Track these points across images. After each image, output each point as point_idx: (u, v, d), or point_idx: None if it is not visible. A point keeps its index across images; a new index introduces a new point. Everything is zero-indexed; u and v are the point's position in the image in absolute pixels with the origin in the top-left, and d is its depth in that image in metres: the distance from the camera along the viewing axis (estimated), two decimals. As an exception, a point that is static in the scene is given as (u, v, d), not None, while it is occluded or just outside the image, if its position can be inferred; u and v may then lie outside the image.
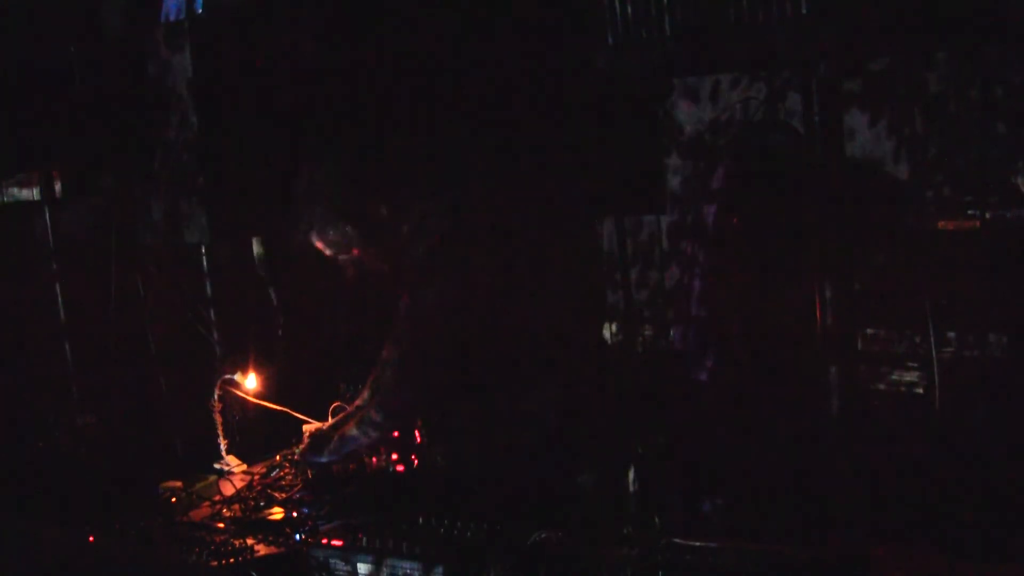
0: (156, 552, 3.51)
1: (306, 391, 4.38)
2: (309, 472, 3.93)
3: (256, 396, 4.23)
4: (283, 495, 3.88)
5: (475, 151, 4.11)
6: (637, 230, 4.73)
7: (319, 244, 3.95)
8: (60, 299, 5.21)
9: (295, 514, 3.67)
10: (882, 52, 3.88)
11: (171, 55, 4.48)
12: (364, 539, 3.34)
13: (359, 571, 3.29)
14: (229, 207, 4.54)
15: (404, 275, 3.92)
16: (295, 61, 4.57)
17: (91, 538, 3.52)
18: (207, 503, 3.90)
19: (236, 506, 3.84)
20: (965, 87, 3.85)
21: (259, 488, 3.97)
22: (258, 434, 4.35)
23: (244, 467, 4.18)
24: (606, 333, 4.77)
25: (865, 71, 3.98)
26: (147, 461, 4.57)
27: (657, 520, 3.21)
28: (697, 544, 3.07)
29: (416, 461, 3.88)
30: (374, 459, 3.90)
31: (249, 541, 3.49)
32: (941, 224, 3.93)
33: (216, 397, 4.17)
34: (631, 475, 3.34)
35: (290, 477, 4.01)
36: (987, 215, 3.82)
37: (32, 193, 5.19)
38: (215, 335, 4.84)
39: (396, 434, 3.91)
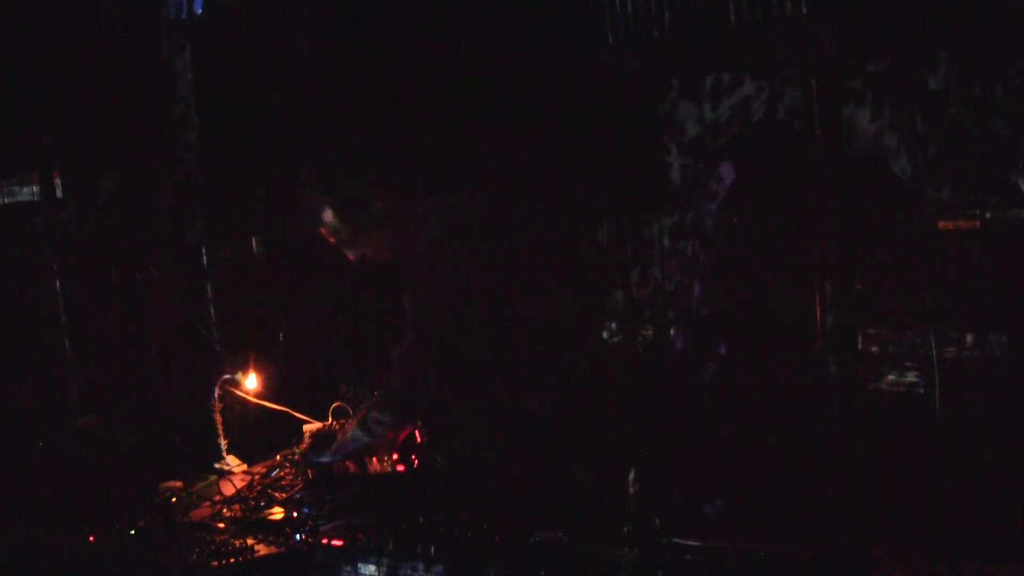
0: (156, 552, 3.51)
1: (306, 391, 4.38)
2: (309, 472, 3.93)
3: (256, 396, 4.23)
4: (283, 495, 3.87)
5: (476, 150, 4.11)
6: (637, 230, 4.73)
7: (323, 232, 3.95)
8: (60, 299, 5.21)
9: (295, 514, 3.67)
10: (882, 52, 3.88)
11: (172, 54, 4.48)
12: (364, 539, 3.34)
13: (359, 571, 3.29)
14: (229, 207, 4.54)
15: (406, 272, 3.92)
16: (295, 61, 4.57)
17: (91, 538, 3.52)
18: (207, 503, 3.90)
19: (236, 506, 3.83)
20: (965, 87, 3.85)
21: (259, 488, 3.96)
22: (258, 434, 4.35)
23: (244, 467, 4.18)
24: (606, 333, 4.77)
25: (865, 71, 3.98)
26: (147, 461, 4.57)
27: (657, 520, 3.20)
28: (697, 544, 3.07)
29: (416, 461, 3.88)
30: (374, 459, 3.90)
31: (249, 541, 3.48)
32: (941, 224, 3.94)
33: (216, 397, 4.17)
34: (631, 475, 3.34)
35: (290, 477, 4.01)
36: (987, 215, 3.82)
37: (32, 193, 5.20)
38: (215, 335, 4.84)
39: (396, 434, 3.91)
